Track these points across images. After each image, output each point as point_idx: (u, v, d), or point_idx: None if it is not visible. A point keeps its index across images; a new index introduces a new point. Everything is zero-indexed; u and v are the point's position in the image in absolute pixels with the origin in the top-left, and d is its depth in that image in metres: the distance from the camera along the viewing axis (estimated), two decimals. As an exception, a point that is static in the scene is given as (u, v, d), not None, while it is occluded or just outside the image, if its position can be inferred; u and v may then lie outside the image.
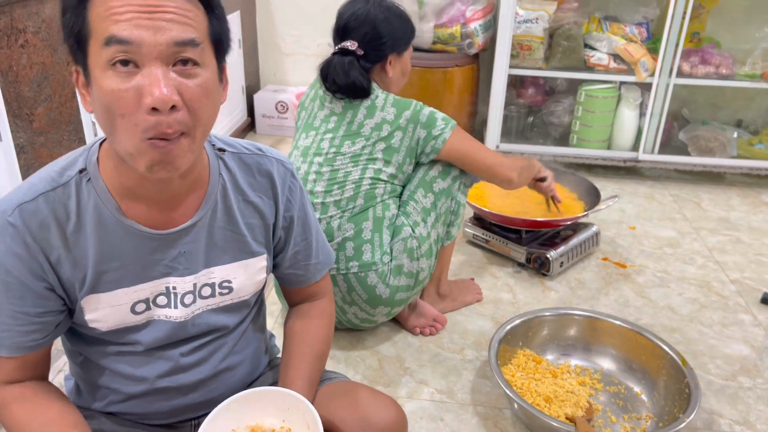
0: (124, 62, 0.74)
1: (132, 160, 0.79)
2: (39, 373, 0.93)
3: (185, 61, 0.76)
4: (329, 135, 1.66)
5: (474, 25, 2.85)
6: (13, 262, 0.84)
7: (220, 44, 0.82)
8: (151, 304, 0.92)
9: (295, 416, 0.94)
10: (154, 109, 0.74)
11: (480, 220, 2.31)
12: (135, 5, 0.73)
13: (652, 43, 2.85)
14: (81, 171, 0.87)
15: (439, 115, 1.66)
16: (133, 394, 0.98)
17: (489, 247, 2.28)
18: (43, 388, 0.92)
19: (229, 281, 0.98)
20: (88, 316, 0.89)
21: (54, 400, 0.90)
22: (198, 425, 1.04)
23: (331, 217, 1.64)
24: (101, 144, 0.89)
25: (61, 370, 1.59)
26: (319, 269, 1.12)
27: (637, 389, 1.61)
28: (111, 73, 0.74)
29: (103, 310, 0.90)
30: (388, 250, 1.67)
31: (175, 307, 0.94)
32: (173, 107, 0.75)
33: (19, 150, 1.60)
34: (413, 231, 1.68)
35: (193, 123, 0.78)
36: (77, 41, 0.77)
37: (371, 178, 1.64)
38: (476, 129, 3.33)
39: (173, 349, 0.97)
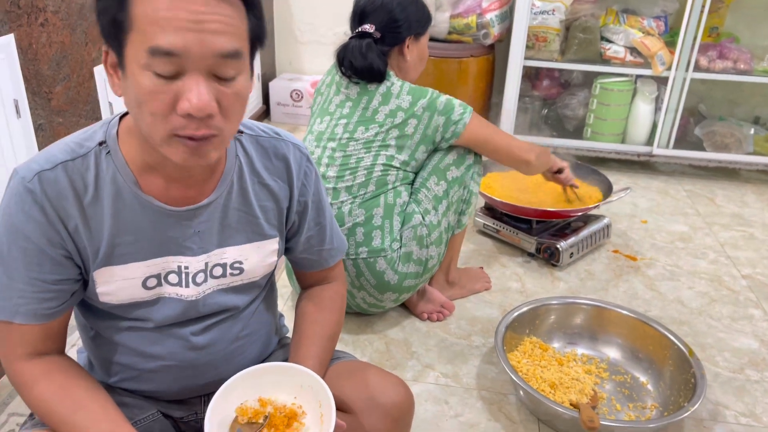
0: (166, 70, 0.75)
1: (161, 149, 0.81)
2: (59, 345, 0.93)
3: (225, 76, 0.77)
4: (343, 120, 1.68)
5: (490, 16, 2.85)
6: (32, 228, 0.84)
7: (256, 43, 0.84)
8: (162, 280, 0.93)
9: (308, 394, 0.94)
10: (189, 114, 0.75)
11: (491, 209, 2.31)
12: (183, 12, 0.72)
13: (669, 37, 2.83)
14: (101, 143, 0.87)
15: (456, 101, 1.67)
16: (144, 371, 0.98)
17: (499, 237, 2.28)
18: (66, 364, 0.92)
19: (240, 262, 0.99)
20: (99, 289, 0.90)
21: (80, 378, 0.90)
22: (208, 401, 1.06)
23: (342, 202, 1.65)
24: (121, 118, 0.90)
25: (74, 344, 1.62)
26: (332, 255, 1.13)
27: (642, 379, 1.61)
28: (150, 74, 0.74)
29: (115, 284, 0.91)
30: (398, 237, 1.68)
31: (187, 285, 0.95)
32: (208, 115, 0.76)
33: (38, 128, 1.63)
34: (423, 219, 1.69)
35: (224, 125, 0.80)
36: (113, 29, 0.76)
37: (383, 165, 1.65)
38: (490, 120, 3.31)
39: (184, 328, 0.97)
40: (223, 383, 0.94)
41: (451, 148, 1.71)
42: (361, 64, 1.62)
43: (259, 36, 0.83)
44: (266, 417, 0.92)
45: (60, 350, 0.94)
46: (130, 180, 0.88)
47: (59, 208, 0.85)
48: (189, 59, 0.74)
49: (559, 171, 1.99)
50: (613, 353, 1.68)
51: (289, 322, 1.20)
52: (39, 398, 0.87)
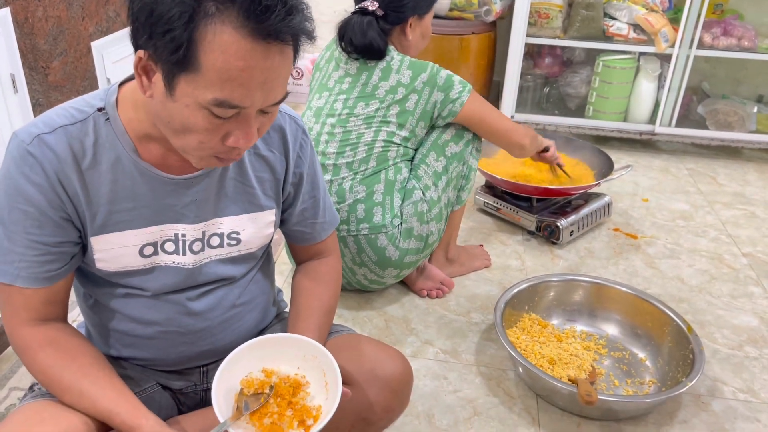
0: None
1: (190, 159, 0.85)
2: (61, 312, 0.94)
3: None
4: (343, 96, 1.66)
5: (492, -8, 2.81)
6: (32, 190, 0.84)
7: None
8: (159, 248, 0.94)
9: (311, 364, 0.95)
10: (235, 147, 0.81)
11: (491, 187, 2.30)
12: (255, 71, 0.74)
13: (673, 14, 2.79)
14: (100, 110, 0.87)
15: (456, 78, 1.65)
16: (142, 337, 0.99)
17: (499, 215, 2.28)
18: (70, 331, 0.93)
19: (237, 233, 0.99)
20: (96, 255, 0.91)
21: (85, 347, 0.92)
22: (206, 372, 1.07)
23: (343, 178, 1.65)
24: (120, 86, 0.90)
25: (74, 320, 1.62)
26: (325, 228, 1.13)
27: (641, 355, 1.61)
28: (207, 113, 0.77)
29: (112, 251, 0.91)
30: (399, 213, 1.68)
31: (183, 253, 0.95)
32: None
33: (35, 102, 1.62)
34: (424, 194, 1.68)
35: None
36: (173, 57, 0.73)
37: (384, 141, 1.64)
38: (491, 98, 3.30)
39: (180, 294, 0.98)
40: (220, 352, 0.95)
41: (449, 124, 1.69)
42: (361, 41, 1.60)
43: None
44: (272, 387, 0.93)
45: (62, 317, 0.95)
46: (129, 147, 0.88)
47: (59, 170, 0.85)
48: (250, 107, 0.78)
49: (545, 150, 1.98)
50: (611, 330, 1.68)
51: (287, 298, 1.20)
52: (43, 364, 0.88)
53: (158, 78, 0.78)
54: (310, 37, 0.78)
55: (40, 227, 0.86)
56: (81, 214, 0.88)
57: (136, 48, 0.78)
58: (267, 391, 0.92)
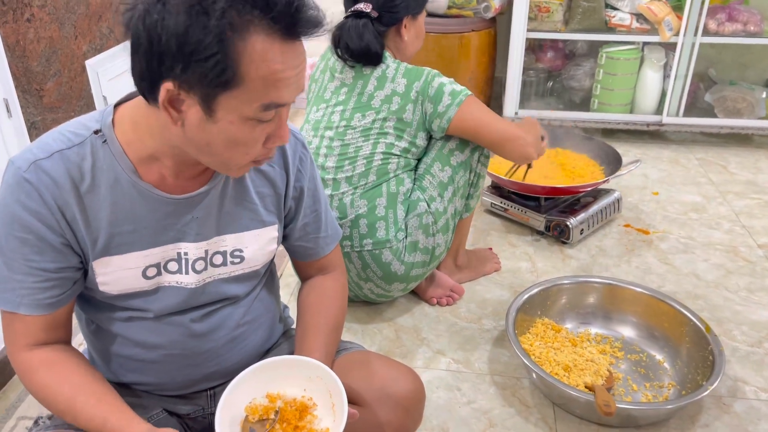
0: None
1: (227, 173, 0.88)
2: (63, 335, 0.93)
3: None
4: (340, 107, 1.62)
5: (490, -12, 2.77)
6: (30, 218, 0.83)
7: None
8: (162, 269, 0.92)
9: (317, 385, 0.93)
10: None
11: (498, 188, 2.26)
12: (292, 70, 0.77)
13: (676, 1, 2.74)
14: (96, 132, 0.86)
15: (448, 88, 1.56)
16: (146, 361, 0.98)
17: (507, 216, 2.24)
18: (68, 352, 0.92)
19: (240, 250, 0.98)
20: (99, 279, 0.90)
21: (80, 365, 0.90)
22: (214, 395, 1.05)
23: (343, 193, 1.61)
24: (116, 107, 0.89)
25: (80, 344, 1.60)
26: (328, 242, 1.12)
27: (659, 357, 1.57)
28: (254, 122, 0.79)
29: (114, 273, 0.90)
30: (403, 227, 1.64)
31: (186, 273, 0.94)
32: None
33: (30, 125, 1.60)
34: (429, 206, 1.64)
35: None
36: (208, 81, 0.73)
37: (383, 153, 1.60)
38: (495, 95, 3.26)
39: (183, 315, 0.97)
40: (227, 374, 0.94)
41: None
42: (358, 45, 1.56)
43: None
44: (277, 412, 0.90)
45: (64, 340, 0.94)
46: (128, 168, 0.87)
47: (57, 196, 0.84)
48: (287, 105, 0.80)
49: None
50: (627, 332, 1.64)
51: (293, 313, 1.18)
52: (40, 384, 0.88)
53: (190, 105, 0.76)
54: (323, 23, 0.80)
55: (39, 254, 0.85)
56: (81, 240, 0.87)
57: (160, 79, 0.75)
58: (272, 416, 0.90)
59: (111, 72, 1.94)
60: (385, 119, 1.57)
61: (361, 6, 1.58)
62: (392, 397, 1.00)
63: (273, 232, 1.02)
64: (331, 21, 0.84)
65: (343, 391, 0.88)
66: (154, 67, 0.74)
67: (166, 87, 0.74)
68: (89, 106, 1.85)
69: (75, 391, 0.87)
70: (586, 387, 1.43)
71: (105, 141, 0.86)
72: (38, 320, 0.88)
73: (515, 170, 2.04)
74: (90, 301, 0.96)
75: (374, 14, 1.57)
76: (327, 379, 0.91)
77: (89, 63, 1.84)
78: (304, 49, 0.80)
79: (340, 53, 1.60)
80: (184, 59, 0.72)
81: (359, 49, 1.56)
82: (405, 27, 1.61)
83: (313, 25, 0.77)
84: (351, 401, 0.98)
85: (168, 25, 0.71)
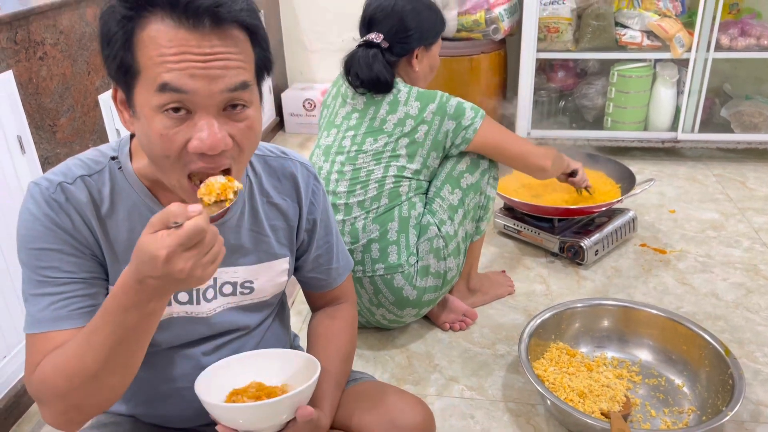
0: (176, 109, 0.75)
1: (178, 192, 0.82)
2: None
3: (235, 105, 0.78)
4: (351, 132, 1.63)
5: (498, 10, 2.78)
6: (61, 231, 0.84)
7: (263, 71, 0.83)
8: (172, 300, 0.93)
9: (299, 376, 0.96)
10: (202, 153, 0.76)
11: (511, 210, 2.25)
12: (189, 53, 0.73)
13: (687, 17, 2.72)
14: (113, 158, 0.88)
15: (467, 104, 1.60)
16: (157, 395, 0.98)
17: (521, 238, 2.22)
18: None
19: (251, 281, 0.98)
20: None
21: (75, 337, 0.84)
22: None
23: (355, 218, 1.61)
24: (132, 137, 0.90)
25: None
26: (340, 273, 1.12)
27: (678, 381, 1.53)
28: (162, 117, 0.75)
29: None
30: (414, 251, 1.63)
31: (198, 303, 0.94)
32: (221, 152, 0.77)
33: (44, 161, 1.63)
34: (439, 230, 1.63)
35: (238, 156, 0.80)
36: (122, 73, 0.77)
37: (395, 176, 1.60)
38: (506, 116, 3.25)
39: (194, 348, 0.97)
40: None
41: (463, 153, 1.65)
42: (367, 75, 1.57)
43: (265, 65, 0.83)
44: (235, 192, 0.79)
45: None
46: (143, 193, 0.88)
47: (84, 216, 0.85)
48: (198, 99, 0.74)
49: (573, 174, 1.92)
50: (644, 355, 1.61)
51: (302, 342, 1.17)
52: (49, 368, 0.81)
53: (127, 105, 0.80)
54: (250, 17, 0.77)
55: (76, 264, 0.85)
56: (103, 260, 0.88)
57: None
58: (231, 196, 0.78)
59: (123, 105, 1.97)
60: (397, 141, 1.58)
61: (372, 36, 1.59)
62: (400, 428, 0.99)
63: (284, 264, 1.02)
64: (341, 49, 0.82)
65: (318, 366, 0.92)
66: (111, 74, 0.79)
67: (114, 86, 0.80)
68: (102, 139, 1.88)
69: (74, 341, 0.80)
70: (602, 414, 1.40)
71: (120, 167, 0.88)
72: (68, 336, 0.82)
73: (580, 193, 2.05)
74: None
75: (385, 45, 1.58)
76: (307, 364, 0.96)
77: (102, 98, 1.88)
78: (234, 43, 0.75)
79: (351, 81, 1.61)
80: (107, 59, 0.77)
81: (368, 78, 1.57)
82: (416, 57, 1.62)
83: (205, 9, 0.73)
84: None
85: (101, 30, 0.77)
